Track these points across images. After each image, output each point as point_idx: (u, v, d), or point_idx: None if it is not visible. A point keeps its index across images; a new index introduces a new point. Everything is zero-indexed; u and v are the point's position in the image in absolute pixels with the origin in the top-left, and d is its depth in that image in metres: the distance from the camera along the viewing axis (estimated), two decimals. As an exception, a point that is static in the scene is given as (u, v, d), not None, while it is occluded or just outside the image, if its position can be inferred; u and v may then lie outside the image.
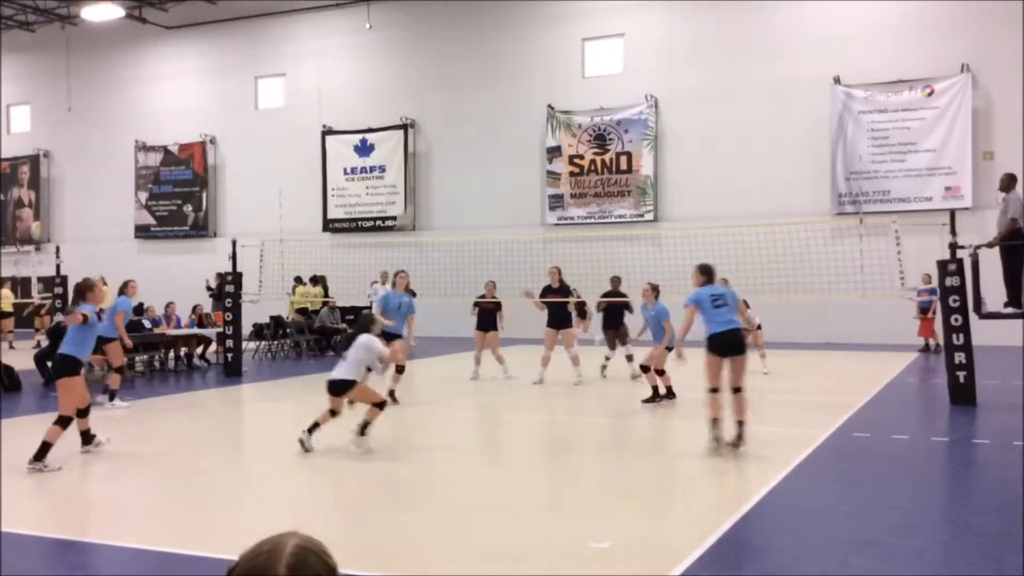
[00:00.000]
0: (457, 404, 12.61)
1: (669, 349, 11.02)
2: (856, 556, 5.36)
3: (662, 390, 11.78)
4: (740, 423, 8.43)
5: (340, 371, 8.77)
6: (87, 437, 8.73)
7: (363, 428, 8.79)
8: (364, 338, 8.81)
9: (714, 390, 8.57)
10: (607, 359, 14.82)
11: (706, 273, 9.16)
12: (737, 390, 8.50)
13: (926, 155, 21.36)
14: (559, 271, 14.63)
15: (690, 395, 12.41)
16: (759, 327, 15.84)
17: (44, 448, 7.87)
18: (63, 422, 8.05)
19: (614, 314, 14.62)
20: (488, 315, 14.79)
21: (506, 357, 14.67)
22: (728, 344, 8.51)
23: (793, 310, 19.41)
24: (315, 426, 8.72)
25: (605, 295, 14.84)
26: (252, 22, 28.71)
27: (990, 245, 11.74)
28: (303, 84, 28.21)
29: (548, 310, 14.45)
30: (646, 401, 11.73)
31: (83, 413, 8.52)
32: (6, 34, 31.27)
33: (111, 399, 12.06)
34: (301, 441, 8.66)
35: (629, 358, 14.35)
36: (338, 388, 8.73)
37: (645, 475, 8.08)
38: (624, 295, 14.77)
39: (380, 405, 8.84)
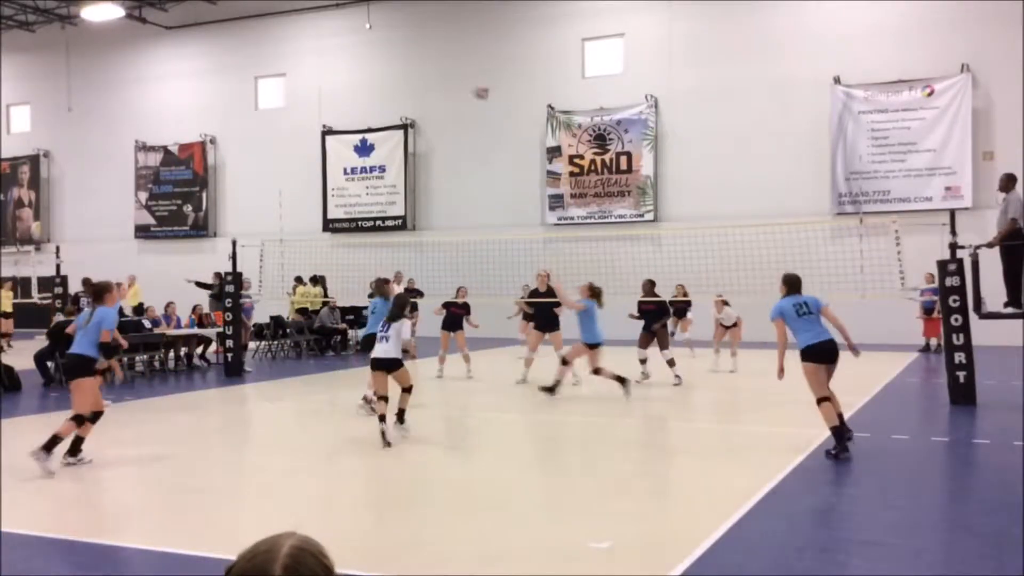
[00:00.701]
0: (456, 404, 12.60)
1: (592, 346, 12.06)
2: (856, 556, 5.36)
3: (572, 379, 12.81)
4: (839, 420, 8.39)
5: (387, 350, 9.30)
6: (76, 446, 8.16)
7: (400, 415, 9.47)
8: (399, 322, 9.43)
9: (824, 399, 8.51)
10: (643, 362, 14.33)
11: (791, 284, 9.26)
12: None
13: (926, 155, 21.36)
14: (548, 276, 14.53)
15: (691, 395, 12.43)
16: (736, 324, 15.78)
17: (53, 441, 7.79)
18: (78, 419, 7.99)
19: (648, 318, 14.39)
20: (455, 317, 15.56)
21: (475, 358, 15.16)
22: (825, 352, 8.68)
23: (793, 310, 19.38)
24: (382, 418, 9.09)
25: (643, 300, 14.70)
26: (252, 22, 28.71)
27: (990, 245, 11.74)
28: (303, 84, 28.22)
29: (536, 313, 14.49)
30: (544, 389, 12.28)
31: (94, 419, 8.19)
32: (6, 34, 31.27)
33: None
34: (383, 432, 8.96)
35: (671, 363, 13.84)
36: (388, 365, 9.31)
37: (645, 475, 8.08)
38: (659, 297, 14.56)
39: (409, 389, 9.59)
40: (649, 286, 14.53)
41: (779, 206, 21.27)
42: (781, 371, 8.85)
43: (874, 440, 9.21)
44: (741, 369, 15.22)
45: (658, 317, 14.17)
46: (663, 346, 14.03)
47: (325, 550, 1.59)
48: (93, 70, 31.21)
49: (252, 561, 1.54)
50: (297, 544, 1.56)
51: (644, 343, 14.26)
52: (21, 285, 24.70)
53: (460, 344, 15.40)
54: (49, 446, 7.75)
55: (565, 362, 12.51)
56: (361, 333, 12.13)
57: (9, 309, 20.89)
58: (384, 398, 9.21)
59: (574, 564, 5.26)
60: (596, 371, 12.09)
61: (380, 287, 11.74)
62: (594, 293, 12.39)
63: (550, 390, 12.20)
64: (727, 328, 15.86)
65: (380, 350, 9.34)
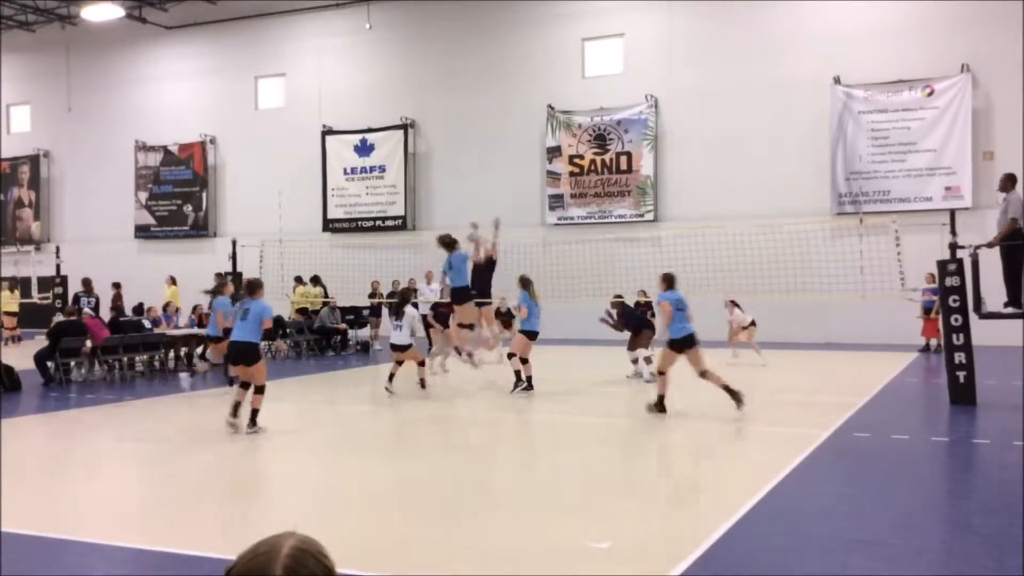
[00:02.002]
0: (456, 404, 12.60)
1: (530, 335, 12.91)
2: (856, 556, 5.36)
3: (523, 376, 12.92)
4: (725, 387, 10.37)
5: (401, 337, 12.49)
6: (254, 418, 9.76)
7: (422, 383, 12.65)
8: (411, 311, 12.66)
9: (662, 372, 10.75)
10: (634, 362, 14.56)
11: (669, 281, 10.98)
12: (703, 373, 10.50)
13: (926, 155, 21.36)
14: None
15: (690, 395, 12.43)
16: (752, 323, 15.94)
17: (254, 414, 9.62)
18: (261, 390, 9.77)
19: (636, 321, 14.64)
20: (444, 316, 16.02)
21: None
22: (685, 342, 10.50)
23: (793, 310, 19.43)
24: (391, 377, 12.67)
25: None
26: (252, 22, 28.70)
27: (990, 245, 11.74)
28: (303, 84, 28.21)
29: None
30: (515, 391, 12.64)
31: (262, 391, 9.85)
32: (6, 34, 31.26)
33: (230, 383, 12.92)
34: (387, 389, 12.44)
35: (647, 360, 14.12)
36: (401, 349, 12.52)
37: (645, 475, 8.08)
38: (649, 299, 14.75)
39: (423, 363, 12.84)
40: (643, 294, 14.88)
41: (779, 206, 21.27)
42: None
43: (874, 440, 9.21)
44: (740, 369, 15.22)
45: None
46: (643, 345, 14.38)
47: (325, 550, 1.59)
48: (93, 70, 31.20)
49: (252, 562, 1.54)
50: (297, 544, 1.56)
51: (635, 344, 14.50)
52: (21, 285, 24.70)
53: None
54: (254, 419, 9.58)
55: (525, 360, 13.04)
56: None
57: (15, 309, 20.81)
58: (400, 363, 12.82)
59: (574, 564, 5.26)
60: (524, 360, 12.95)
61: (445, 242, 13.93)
62: (524, 282, 13.35)
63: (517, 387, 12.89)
64: (744, 328, 15.99)
65: (394, 336, 12.48)
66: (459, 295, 13.40)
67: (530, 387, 12.73)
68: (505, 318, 17.02)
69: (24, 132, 32.95)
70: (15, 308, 23.95)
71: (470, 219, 24.66)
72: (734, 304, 16.07)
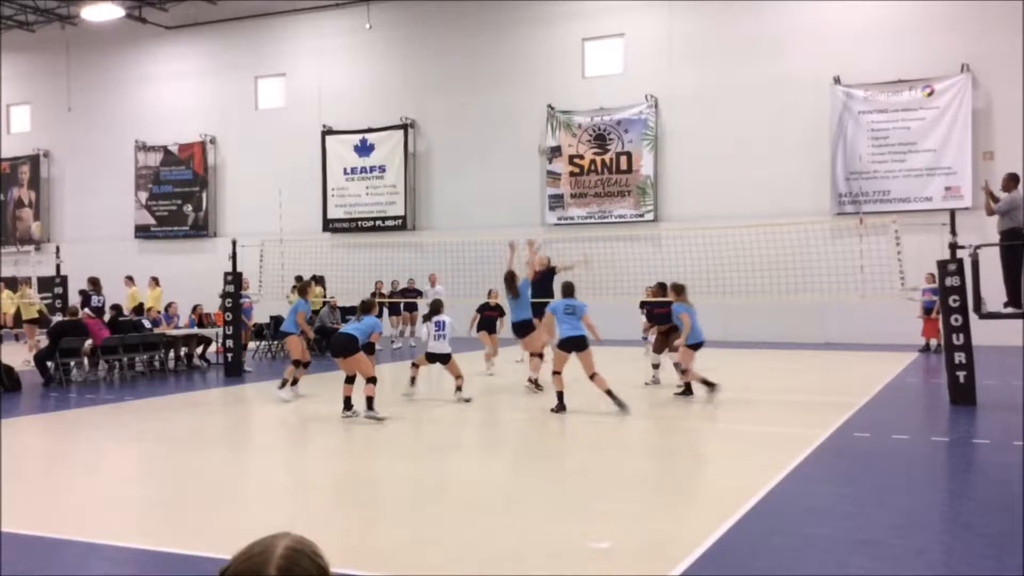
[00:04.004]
0: (456, 405, 12.59)
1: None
2: (856, 556, 5.35)
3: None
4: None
5: (442, 346, 12.20)
6: (369, 402, 10.62)
7: (458, 388, 12.30)
8: (448, 319, 12.39)
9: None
10: (655, 367, 14.13)
11: (566, 289, 11.72)
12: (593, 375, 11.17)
13: (926, 155, 21.36)
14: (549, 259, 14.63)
15: (693, 396, 12.42)
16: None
17: (370, 400, 10.52)
18: (372, 380, 10.72)
19: (659, 321, 14.27)
20: (491, 319, 16.05)
21: (478, 357, 15.44)
22: (572, 343, 11.20)
23: (793, 310, 19.43)
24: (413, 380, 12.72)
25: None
26: (252, 22, 28.71)
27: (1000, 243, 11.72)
28: (303, 84, 28.22)
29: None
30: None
31: (373, 380, 10.79)
32: (6, 34, 31.27)
33: (281, 386, 12.83)
34: (413, 379, 12.70)
35: (676, 365, 13.50)
36: (443, 359, 12.29)
37: (645, 475, 8.08)
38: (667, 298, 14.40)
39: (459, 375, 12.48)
40: (659, 289, 14.47)
41: (779, 206, 21.26)
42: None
43: (874, 440, 9.21)
44: (740, 369, 15.21)
45: (670, 319, 14.09)
46: (671, 348, 13.78)
47: (320, 550, 1.59)
48: (93, 70, 31.21)
49: (247, 562, 1.54)
50: (292, 545, 1.56)
51: (661, 347, 14.00)
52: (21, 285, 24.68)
53: (493, 345, 15.85)
54: (370, 404, 10.50)
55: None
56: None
57: (36, 315, 20.35)
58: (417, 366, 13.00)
59: (574, 564, 5.26)
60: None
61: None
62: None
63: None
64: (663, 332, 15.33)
65: (434, 347, 12.27)
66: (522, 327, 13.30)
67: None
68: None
69: (24, 132, 32.96)
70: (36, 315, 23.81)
71: (470, 219, 24.83)
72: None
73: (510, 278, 13.42)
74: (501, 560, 5.35)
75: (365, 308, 11.47)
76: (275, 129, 28.40)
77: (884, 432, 9.58)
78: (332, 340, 11.65)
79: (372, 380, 10.78)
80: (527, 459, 9.11)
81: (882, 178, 21.76)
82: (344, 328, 11.46)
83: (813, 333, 21.24)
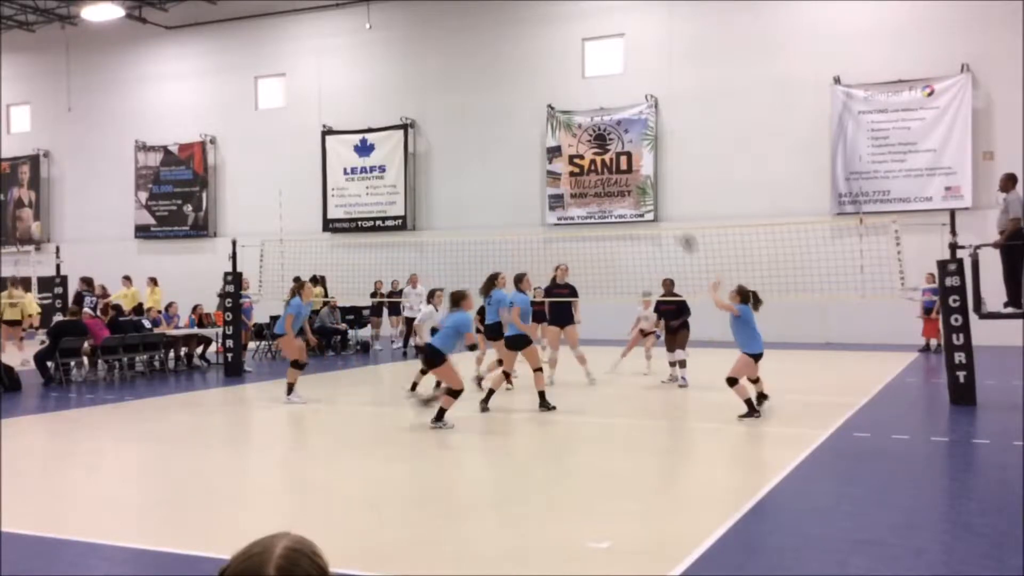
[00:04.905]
0: (457, 404, 12.58)
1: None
2: (856, 556, 5.36)
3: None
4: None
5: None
6: (440, 415, 10.05)
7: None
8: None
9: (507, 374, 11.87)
10: (672, 365, 14.10)
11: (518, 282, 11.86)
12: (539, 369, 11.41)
13: (926, 155, 21.36)
14: (567, 269, 14.70)
15: (690, 395, 12.42)
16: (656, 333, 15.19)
17: (441, 413, 9.95)
18: (455, 394, 10.04)
19: (667, 318, 14.23)
20: (563, 308, 14.55)
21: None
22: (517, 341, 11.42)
23: (793, 310, 19.41)
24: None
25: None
26: (252, 22, 28.70)
27: (996, 245, 11.72)
28: (303, 84, 28.21)
29: (551, 307, 14.48)
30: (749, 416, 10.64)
31: (457, 394, 10.12)
32: (6, 34, 31.27)
33: (289, 392, 12.44)
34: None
35: (682, 364, 13.76)
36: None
37: (645, 475, 8.07)
38: (678, 296, 14.30)
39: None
40: (669, 285, 14.51)
41: (779, 206, 21.26)
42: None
43: (874, 440, 9.21)
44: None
45: (677, 316, 14.16)
46: (680, 345, 13.88)
47: (319, 550, 1.59)
48: (93, 70, 31.20)
49: (246, 562, 1.54)
50: (291, 545, 1.56)
51: (671, 345, 14.05)
52: (21, 285, 24.66)
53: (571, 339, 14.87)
54: (440, 416, 9.91)
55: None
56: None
57: (38, 311, 20.38)
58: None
59: (574, 564, 5.26)
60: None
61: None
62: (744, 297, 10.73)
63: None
64: (646, 334, 15.22)
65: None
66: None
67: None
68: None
69: (24, 132, 32.95)
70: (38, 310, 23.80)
71: (470, 219, 24.82)
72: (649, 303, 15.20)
73: (492, 279, 12.66)
74: (501, 560, 5.35)
75: (455, 300, 10.48)
76: (275, 129, 28.40)
77: (884, 432, 9.58)
78: (424, 349, 11.07)
79: (451, 392, 10.06)
80: (527, 459, 9.11)
81: (882, 178, 21.76)
82: (435, 336, 10.78)
83: (813, 333, 21.24)
